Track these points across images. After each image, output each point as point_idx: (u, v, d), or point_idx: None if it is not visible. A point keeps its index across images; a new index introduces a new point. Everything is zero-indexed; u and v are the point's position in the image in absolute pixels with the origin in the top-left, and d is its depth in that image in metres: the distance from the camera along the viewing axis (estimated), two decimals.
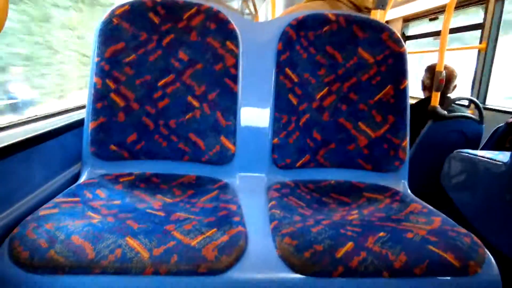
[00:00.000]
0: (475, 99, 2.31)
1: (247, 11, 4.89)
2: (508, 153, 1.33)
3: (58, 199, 0.87)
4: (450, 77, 2.28)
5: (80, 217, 0.79)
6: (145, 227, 0.78)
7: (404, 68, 1.20)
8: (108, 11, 1.12)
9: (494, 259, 0.81)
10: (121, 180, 1.05)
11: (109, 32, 1.10)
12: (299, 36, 1.20)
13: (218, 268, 0.72)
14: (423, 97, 2.44)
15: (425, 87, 2.44)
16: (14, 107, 1.25)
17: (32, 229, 0.72)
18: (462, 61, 3.14)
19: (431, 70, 2.31)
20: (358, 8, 1.64)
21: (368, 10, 1.60)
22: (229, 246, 0.74)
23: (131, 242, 0.72)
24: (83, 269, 0.68)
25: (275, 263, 0.76)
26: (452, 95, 2.37)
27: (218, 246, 0.74)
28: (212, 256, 0.72)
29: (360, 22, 1.21)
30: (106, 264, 0.69)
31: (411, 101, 1.36)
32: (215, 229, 0.78)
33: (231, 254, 0.74)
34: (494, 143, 1.91)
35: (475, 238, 0.82)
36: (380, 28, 1.21)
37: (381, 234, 0.81)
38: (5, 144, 0.81)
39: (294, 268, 0.75)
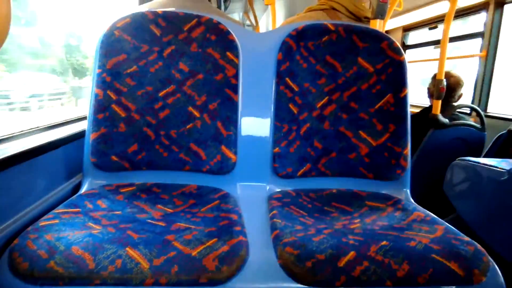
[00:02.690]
0: (476, 107, 2.32)
1: (248, 22, 4.94)
2: (511, 160, 1.32)
3: (59, 209, 0.87)
4: (455, 85, 2.28)
5: (81, 228, 0.79)
6: (146, 237, 0.77)
7: (404, 76, 1.20)
8: (110, 23, 1.13)
9: (499, 267, 0.80)
10: (122, 190, 1.04)
11: (111, 44, 1.11)
12: (299, 46, 1.21)
13: (219, 279, 0.71)
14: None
15: (431, 95, 2.44)
16: None
17: (32, 240, 0.72)
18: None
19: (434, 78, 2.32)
20: (358, 18, 1.66)
21: (368, 20, 1.62)
22: (230, 256, 0.74)
23: (131, 252, 0.72)
24: (83, 280, 0.68)
25: (276, 273, 0.76)
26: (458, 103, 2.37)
27: (219, 256, 0.73)
28: (212, 266, 0.71)
29: (360, 31, 1.22)
30: (106, 275, 0.68)
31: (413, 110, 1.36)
32: (215, 239, 0.77)
33: (232, 264, 0.73)
34: (496, 151, 1.90)
35: (479, 247, 0.81)
36: (379, 38, 1.22)
37: (384, 243, 0.80)
38: (6, 155, 0.81)
39: (295, 278, 0.74)
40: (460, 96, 2.36)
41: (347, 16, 1.65)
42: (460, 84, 2.31)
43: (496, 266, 0.80)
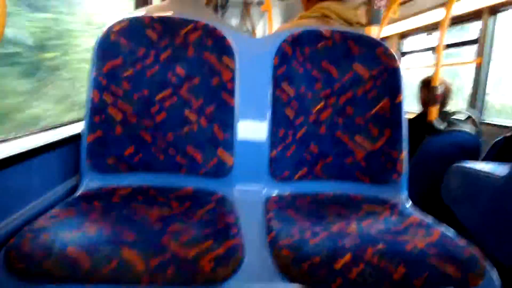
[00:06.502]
0: (471, 114, 2.33)
1: (245, 28, 4.97)
2: (507, 166, 1.33)
3: (55, 210, 0.87)
4: (448, 92, 2.31)
5: (77, 228, 0.79)
6: (141, 238, 0.77)
7: (399, 82, 1.21)
8: (106, 27, 1.14)
9: (497, 272, 0.80)
10: (118, 192, 1.04)
11: (107, 48, 1.12)
12: (295, 51, 1.22)
13: (214, 280, 0.71)
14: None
15: (422, 102, 2.45)
16: None
17: (29, 240, 0.72)
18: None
19: (425, 85, 2.33)
20: (350, 24, 1.67)
21: (360, 25, 1.63)
22: (226, 258, 0.74)
23: (127, 253, 0.71)
24: (78, 280, 0.68)
25: (272, 274, 0.76)
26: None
27: (215, 257, 0.73)
28: (208, 268, 0.71)
29: (355, 38, 1.24)
30: (102, 275, 0.68)
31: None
32: (211, 241, 0.77)
33: (227, 266, 0.73)
34: (493, 157, 1.91)
35: (475, 250, 0.82)
36: (374, 44, 1.23)
37: (380, 246, 0.80)
38: (4, 155, 0.81)
39: (291, 280, 0.74)
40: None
41: (339, 22, 1.66)
42: (451, 90, 2.35)
43: (492, 269, 0.80)
